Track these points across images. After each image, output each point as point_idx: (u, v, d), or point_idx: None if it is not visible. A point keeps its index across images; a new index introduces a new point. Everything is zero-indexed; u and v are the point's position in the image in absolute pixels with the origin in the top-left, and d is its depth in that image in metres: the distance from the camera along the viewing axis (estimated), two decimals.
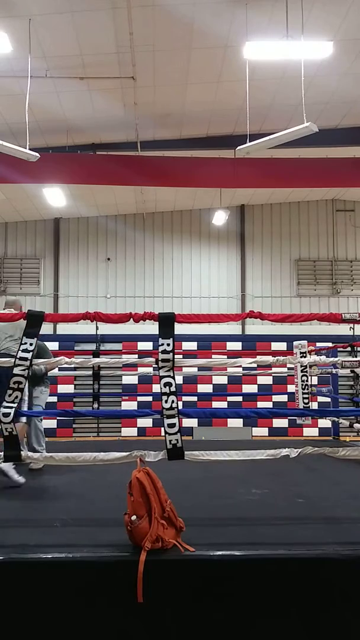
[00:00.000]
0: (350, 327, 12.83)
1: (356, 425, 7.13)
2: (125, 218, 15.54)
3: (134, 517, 2.91)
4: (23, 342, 3.56)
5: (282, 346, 11.85)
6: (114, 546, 3.01)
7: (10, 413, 3.48)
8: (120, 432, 12.98)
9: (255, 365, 7.91)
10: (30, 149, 8.58)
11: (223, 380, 12.53)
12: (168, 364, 3.55)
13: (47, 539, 3.22)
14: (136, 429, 12.67)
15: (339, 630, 2.86)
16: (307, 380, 7.13)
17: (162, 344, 3.56)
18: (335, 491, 4.77)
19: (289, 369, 8.34)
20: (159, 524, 2.93)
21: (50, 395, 11.20)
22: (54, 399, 11.51)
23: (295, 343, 6.88)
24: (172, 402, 3.52)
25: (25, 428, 4.84)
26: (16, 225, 15.51)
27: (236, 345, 13.15)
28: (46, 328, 14.27)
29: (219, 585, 2.86)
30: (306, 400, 7.07)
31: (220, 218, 14.42)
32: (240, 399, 11.86)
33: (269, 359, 5.17)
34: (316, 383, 9.30)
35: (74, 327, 13.19)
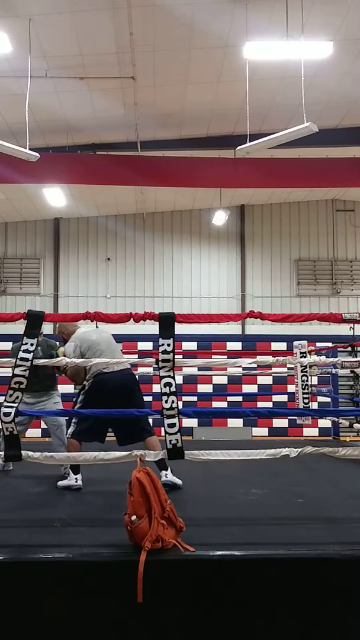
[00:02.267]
0: (350, 327, 12.83)
1: (356, 425, 7.13)
2: (125, 218, 15.54)
3: (134, 517, 2.91)
4: (24, 342, 3.56)
5: (282, 346, 11.83)
6: (114, 546, 3.02)
7: (11, 413, 3.48)
8: None
9: (255, 365, 7.91)
10: (30, 149, 8.57)
11: (223, 380, 12.53)
12: (168, 364, 3.55)
13: (47, 539, 3.22)
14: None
15: (338, 630, 2.86)
16: (307, 380, 7.13)
17: (162, 344, 3.57)
18: (335, 491, 4.77)
19: (289, 369, 8.34)
20: (159, 524, 2.93)
21: None
22: None
23: (295, 343, 6.88)
24: (172, 402, 3.53)
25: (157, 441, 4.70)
26: (16, 225, 15.51)
27: (236, 345, 13.14)
28: (46, 328, 14.18)
29: (219, 585, 2.86)
30: (306, 400, 7.07)
31: (220, 218, 14.41)
32: (240, 399, 11.85)
33: (269, 359, 5.18)
34: (316, 383, 9.30)
35: None
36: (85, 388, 4.72)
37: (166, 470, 4.49)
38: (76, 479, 4.61)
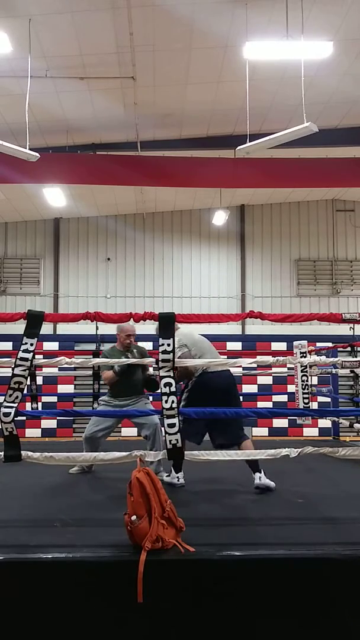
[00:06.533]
0: (350, 327, 12.80)
1: (356, 425, 7.14)
2: (125, 218, 15.53)
3: (134, 517, 2.91)
4: (23, 342, 3.56)
5: (282, 346, 11.83)
6: (114, 546, 3.02)
7: (10, 413, 3.48)
8: (120, 432, 12.96)
9: (255, 365, 7.90)
10: (30, 149, 8.57)
11: None
12: (168, 364, 3.55)
13: (47, 539, 3.22)
14: (136, 429, 12.65)
15: (338, 630, 2.86)
16: (307, 380, 7.12)
17: (163, 344, 3.57)
18: (335, 491, 4.77)
19: (289, 369, 8.34)
20: (159, 524, 2.93)
21: (50, 395, 11.24)
22: (54, 399, 11.48)
23: (295, 343, 6.87)
24: (172, 402, 3.53)
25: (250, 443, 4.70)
26: (16, 225, 15.50)
27: (236, 345, 13.13)
28: (46, 328, 14.26)
29: (219, 585, 2.86)
30: (306, 400, 7.07)
31: (220, 218, 14.41)
32: (240, 399, 11.84)
33: (269, 359, 5.18)
34: (316, 383, 9.29)
35: (74, 327, 13.16)
36: (189, 387, 4.73)
37: (260, 472, 4.47)
38: (178, 477, 4.68)
